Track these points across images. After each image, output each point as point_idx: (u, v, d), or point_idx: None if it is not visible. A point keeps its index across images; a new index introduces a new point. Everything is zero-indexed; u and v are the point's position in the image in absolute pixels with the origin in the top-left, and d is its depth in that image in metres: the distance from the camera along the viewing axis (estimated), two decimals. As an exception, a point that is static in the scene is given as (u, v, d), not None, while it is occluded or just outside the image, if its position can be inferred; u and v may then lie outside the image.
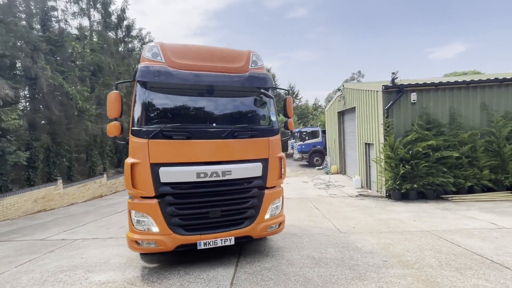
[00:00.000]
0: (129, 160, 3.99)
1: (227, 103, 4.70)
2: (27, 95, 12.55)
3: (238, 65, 4.73)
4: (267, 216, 4.54)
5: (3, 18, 8.95)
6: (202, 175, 4.13)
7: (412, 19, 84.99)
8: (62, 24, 13.44)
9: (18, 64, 10.00)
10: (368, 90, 11.04)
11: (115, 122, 4.23)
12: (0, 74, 8.50)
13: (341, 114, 15.75)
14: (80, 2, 13.88)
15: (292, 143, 23.70)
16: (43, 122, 12.03)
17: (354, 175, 13.47)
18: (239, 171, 4.34)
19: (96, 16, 15.24)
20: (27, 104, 12.70)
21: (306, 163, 21.11)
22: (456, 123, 9.43)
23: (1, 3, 9.73)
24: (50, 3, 12.38)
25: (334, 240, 5.43)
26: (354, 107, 12.84)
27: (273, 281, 3.84)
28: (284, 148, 5.23)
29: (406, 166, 8.92)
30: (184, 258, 4.67)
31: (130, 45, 18.50)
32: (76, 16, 13.90)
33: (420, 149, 8.88)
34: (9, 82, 8.15)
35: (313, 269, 4.17)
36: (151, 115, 4.26)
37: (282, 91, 31.57)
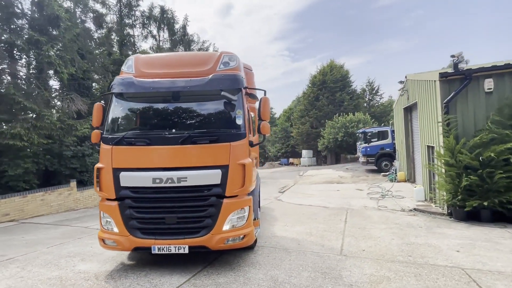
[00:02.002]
0: (97, 165, 4.42)
1: (191, 107, 4.63)
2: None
3: (205, 68, 4.61)
4: (226, 227, 4.22)
5: (92, 50, 11.45)
6: (157, 180, 4.19)
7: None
8: (137, 45, 16.09)
9: (93, 84, 12.58)
10: (425, 81, 8.91)
11: (96, 130, 4.75)
12: (77, 91, 10.94)
13: (408, 110, 13.20)
14: (149, 26, 16.48)
15: (358, 145, 21.34)
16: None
17: (418, 184, 11.08)
18: (195, 178, 4.19)
19: (162, 35, 17.72)
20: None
21: (375, 167, 18.61)
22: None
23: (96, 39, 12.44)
24: (126, 31, 15.02)
25: (322, 263, 4.58)
26: (416, 102, 10.58)
27: (209, 299, 3.54)
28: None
29: (472, 176, 6.74)
30: (161, 258, 4.81)
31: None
32: (144, 39, 16.52)
33: (495, 154, 6.56)
34: (84, 99, 10.37)
35: (264, 293, 3.63)
36: (119, 123, 4.60)
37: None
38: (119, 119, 4.64)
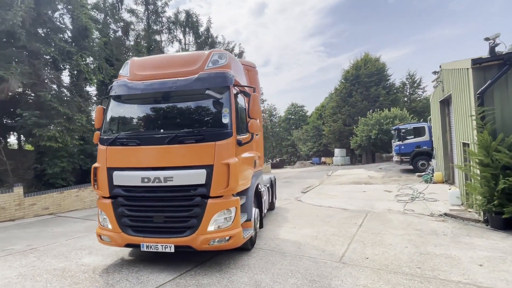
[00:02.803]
0: (94, 164, 4.66)
1: (179, 107, 4.65)
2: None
3: (194, 67, 4.60)
4: (211, 228, 4.15)
5: (120, 57, 12.33)
6: (146, 180, 4.28)
7: None
8: (164, 50, 16.88)
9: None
10: (458, 69, 7.87)
11: (97, 131, 5.03)
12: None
13: (445, 103, 11.84)
14: (175, 31, 17.22)
15: (393, 143, 19.78)
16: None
17: (455, 186, 9.88)
18: (180, 178, 4.20)
19: (188, 39, 18.38)
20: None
21: (410, 167, 17.12)
22: None
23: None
24: (153, 37, 15.86)
25: (315, 270, 4.27)
26: (451, 95, 9.43)
27: (186, 300, 3.50)
28: None
29: (511, 178, 5.78)
30: (159, 255, 4.91)
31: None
32: (170, 43, 17.29)
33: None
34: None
35: (242, 299, 3.49)
36: (114, 124, 4.81)
37: None
38: (114, 121, 4.85)
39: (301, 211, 8.99)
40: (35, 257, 5.30)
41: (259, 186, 6.09)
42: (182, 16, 17.62)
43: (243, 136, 4.56)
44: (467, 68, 7.05)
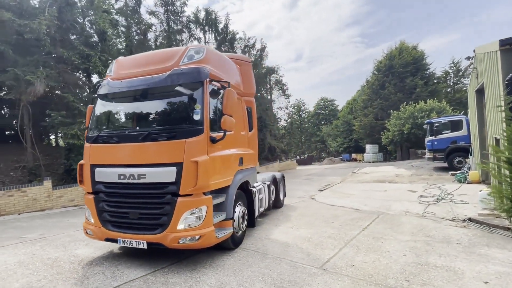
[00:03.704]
0: (80, 162, 4.87)
1: (155, 105, 4.63)
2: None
3: (169, 64, 4.55)
4: (180, 227, 4.09)
5: None
6: (122, 176, 4.36)
7: None
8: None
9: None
10: (487, 53, 6.79)
11: (87, 130, 5.25)
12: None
13: (481, 93, 10.40)
14: (195, 29, 17.52)
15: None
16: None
17: (488, 187, 8.65)
18: (153, 175, 4.20)
19: (208, 37, 18.59)
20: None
21: (445, 165, 15.45)
22: None
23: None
24: (174, 37, 16.33)
25: (288, 275, 3.99)
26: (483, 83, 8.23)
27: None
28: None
29: (545, 180, 4.85)
30: (145, 250, 5.00)
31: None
32: (190, 42, 17.60)
33: None
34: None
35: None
36: (98, 123, 4.96)
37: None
38: (99, 120, 5.01)
39: (308, 210, 8.60)
40: (40, 246, 5.75)
41: (249, 184, 5.90)
42: (202, 15, 17.94)
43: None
44: (496, 51, 6.06)
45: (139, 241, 4.22)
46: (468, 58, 10.09)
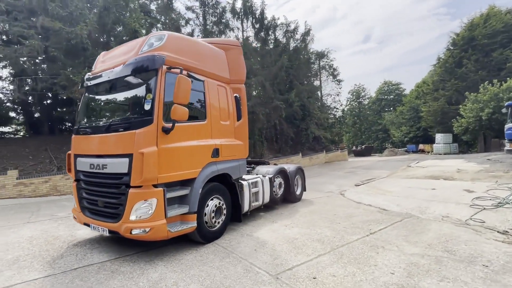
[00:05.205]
0: (68, 152, 5.30)
1: (117, 97, 4.70)
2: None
3: (131, 54, 4.53)
4: (132, 218, 4.07)
5: None
6: (91, 166, 4.58)
7: None
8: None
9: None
10: None
11: (76, 122, 5.65)
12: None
13: None
14: (233, 20, 17.46)
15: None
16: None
17: None
18: (112, 166, 4.28)
19: (245, 26, 18.27)
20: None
21: (535, 159, 12.01)
22: None
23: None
24: (210, 30, 16.62)
25: (232, 282, 3.55)
26: None
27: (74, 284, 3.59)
28: None
29: None
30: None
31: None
32: (227, 32, 17.69)
33: None
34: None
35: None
36: (80, 115, 5.28)
37: None
38: (80, 112, 5.33)
39: (323, 207, 7.78)
40: (57, 224, 6.60)
41: (232, 177, 5.57)
42: (239, 4, 17.79)
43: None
44: None
45: (103, 228, 4.39)
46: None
